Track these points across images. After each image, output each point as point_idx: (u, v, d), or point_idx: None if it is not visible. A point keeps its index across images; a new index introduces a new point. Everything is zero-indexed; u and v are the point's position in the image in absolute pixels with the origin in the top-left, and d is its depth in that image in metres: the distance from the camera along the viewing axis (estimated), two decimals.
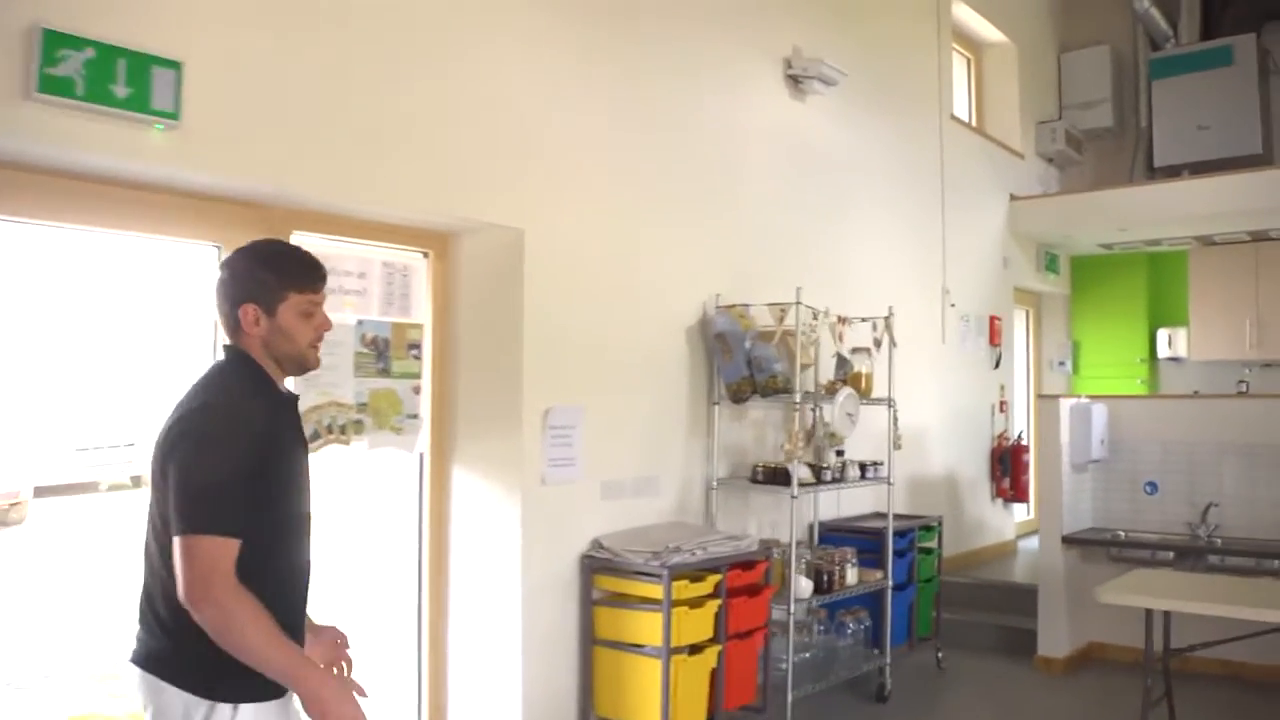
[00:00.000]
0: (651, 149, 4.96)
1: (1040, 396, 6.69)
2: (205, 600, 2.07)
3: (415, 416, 4.31)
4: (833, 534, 5.81)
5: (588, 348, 4.56)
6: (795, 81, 5.93)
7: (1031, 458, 7.98)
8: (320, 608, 2.63)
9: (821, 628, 5.36)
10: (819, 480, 5.16)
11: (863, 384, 5.51)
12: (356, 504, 4.44)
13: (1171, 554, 5.96)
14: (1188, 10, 9.24)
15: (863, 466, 5.44)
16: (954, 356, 7.66)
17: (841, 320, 5.40)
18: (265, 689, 2.20)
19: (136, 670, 2.23)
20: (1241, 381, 8.76)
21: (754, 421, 5.54)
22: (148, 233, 3.56)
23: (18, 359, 3.64)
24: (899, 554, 5.72)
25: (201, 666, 2.15)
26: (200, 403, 2.24)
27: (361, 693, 2.31)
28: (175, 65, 3.19)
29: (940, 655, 6.10)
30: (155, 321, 3.83)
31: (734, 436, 5.40)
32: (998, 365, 8.36)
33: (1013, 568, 7.76)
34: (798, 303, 4.98)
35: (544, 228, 4.38)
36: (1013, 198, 8.73)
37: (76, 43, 2.96)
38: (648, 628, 4.26)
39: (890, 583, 5.50)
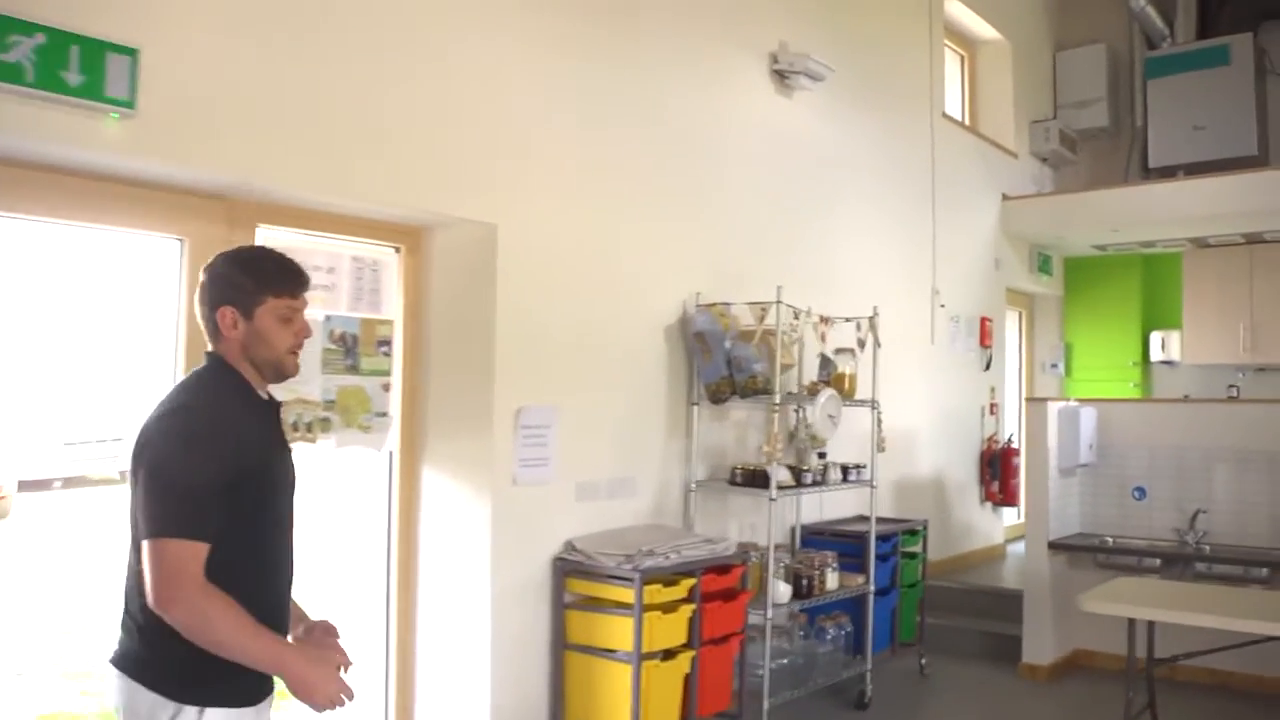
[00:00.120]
0: (631, 144, 4.86)
1: (1028, 399, 6.59)
2: (173, 602, 2.07)
3: (384, 415, 4.23)
4: (815, 537, 5.72)
5: (563, 346, 4.47)
6: (781, 77, 5.84)
7: (1021, 461, 7.89)
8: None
9: (802, 633, 5.28)
10: (799, 483, 5.07)
11: (846, 385, 5.42)
12: (323, 504, 4.36)
13: (1159, 561, 5.88)
14: (1184, 9, 9.14)
15: (845, 469, 5.35)
16: (943, 358, 7.58)
17: (824, 320, 5.31)
18: (235, 695, 2.20)
19: (112, 670, 2.23)
20: (1232, 386, 8.67)
21: (735, 423, 5.45)
22: (107, 225, 3.47)
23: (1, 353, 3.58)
24: (882, 558, 5.64)
25: (171, 668, 2.15)
26: (173, 407, 2.24)
27: (346, 666, 2.32)
28: (131, 52, 3.10)
29: (924, 661, 6.02)
30: (141, 316, 3.75)
31: (714, 438, 5.31)
32: (988, 367, 8.28)
33: (1001, 572, 7.67)
34: (779, 302, 4.89)
35: (518, 223, 4.29)
36: (1005, 197, 8.64)
37: (27, 28, 2.87)
38: (619, 632, 4.18)
39: (872, 588, 5.42)
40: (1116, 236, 8.89)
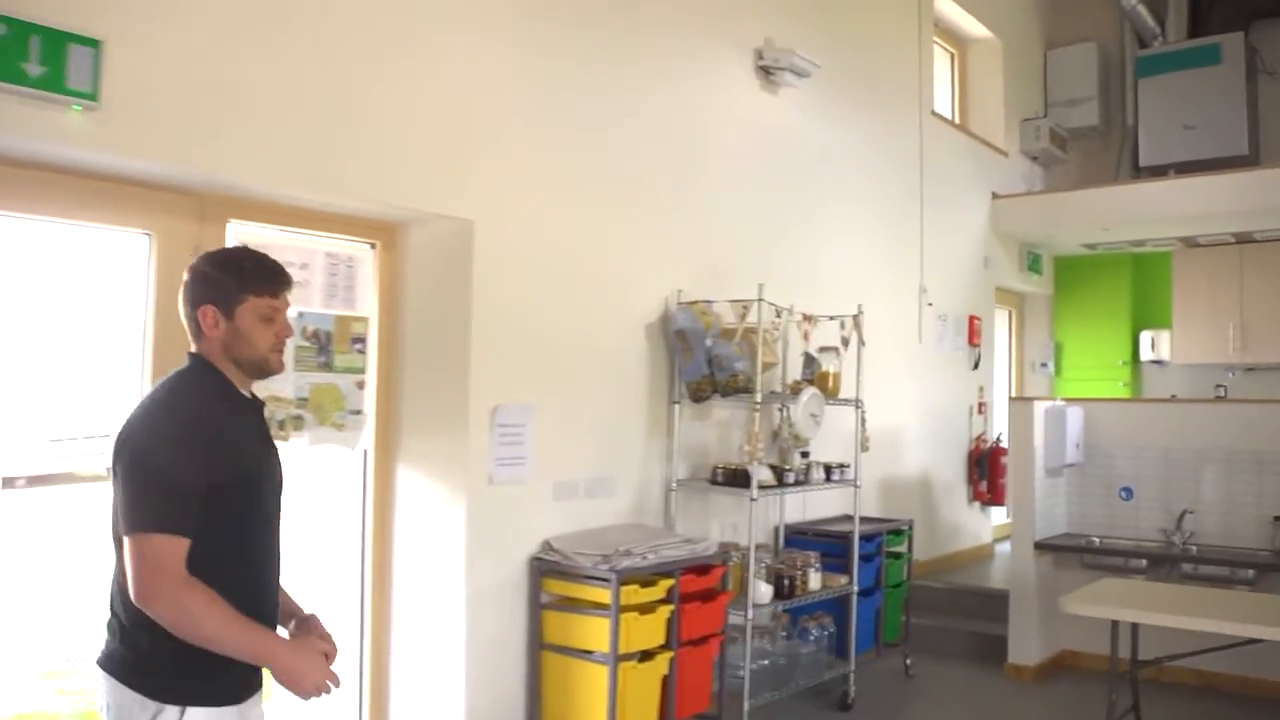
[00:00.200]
0: (612, 140, 4.81)
1: (1013, 399, 6.55)
2: (155, 598, 2.08)
3: (359, 412, 4.18)
4: (799, 537, 5.68)
5: (541, 343, 4.42)
6: (766, 73, 5.79)
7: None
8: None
9: (784, 634, 5.23)
10: (781, 482, 5.02)
11: (830, 384, 5.38)
12: (297, 503, 4.30)
13: (1145, 562, 5.84)
14: (1175, 8, 9.11)
15: (828, 469, 5.30)
16: (931, 356, 7.53)
17: (807, 318, 5.26)
18: (217, 694, 2.19)
19: (98, 671, 2.23)
20: (1219, 386, 8.64)
21: (718, 421, 5.40)
22: (72, 219, 3.42)
23: None
24: (866, 558, 5.59)
25: (152, 667, 2.16)
26: (154, 404, 2.25)
27: (331, 655, 2.32)
28: (94, 44, 3.05)
29: (909, 662, 5.97)
30: (111, 312, 3.70)
31: (696, 437, 5.26)
32: (977, 366, 8.23)
33: (988, 572, 7.63)
34: (760, 299, 4.84)
35: (496, 219, 4.24)
36: (995, 196, 8.60)
37: None
38: (596, 633, 4.13)
39: (855, 588, 5.37)
40: (1107, 235, 8.86)
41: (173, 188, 3.56)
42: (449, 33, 4.08)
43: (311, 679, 2.21)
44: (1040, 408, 6.08)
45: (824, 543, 5.53)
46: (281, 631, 2.42)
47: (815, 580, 5.14)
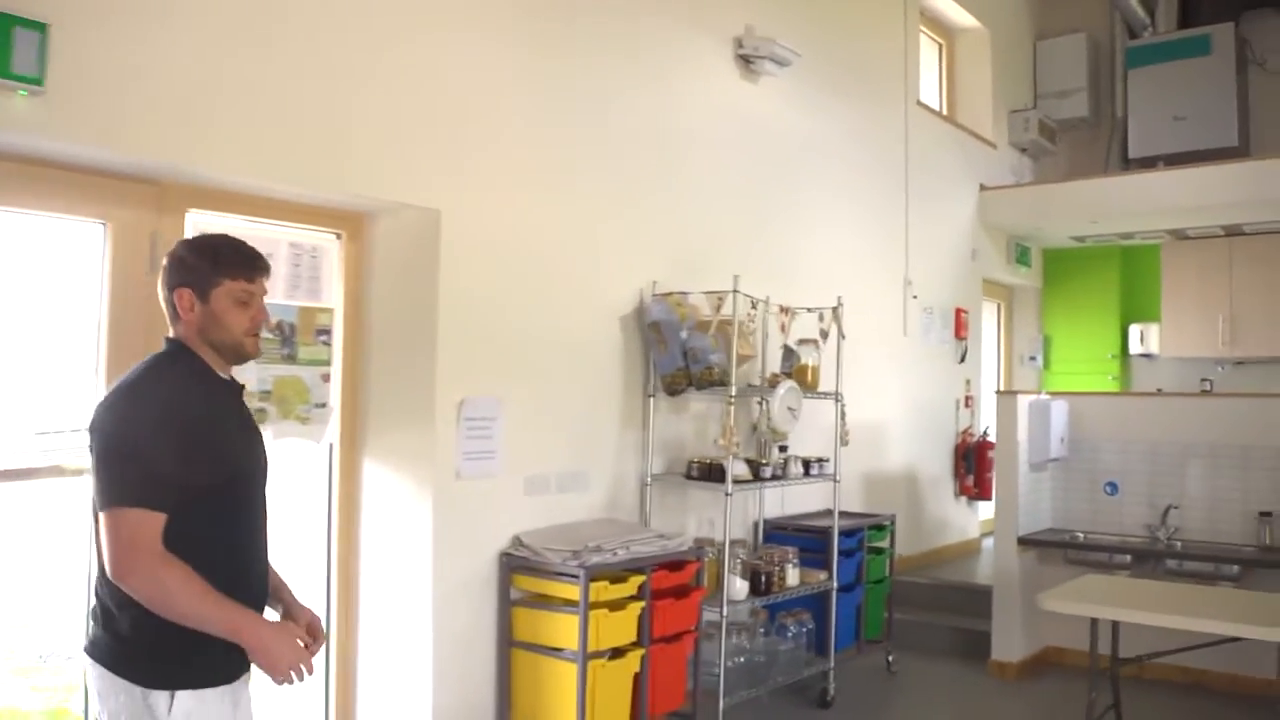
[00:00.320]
0: (586, 128, 4.73)
1: (998, 393, 6.47)
2: (131, 572, 2.09)
3: (324, 405, 4.10)
4: (778, 533, 5.61)
5: (511, 335, 4.34)
6: (746, 62, 5.71)
7: None
8: None
9: (762, 630, 5.16)
10: (757, 477, 4.95)
11: (809, 377, 5.30)
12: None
13: (1129, 557, 5.78)
14: None
15: (807, 463, 5.23)
16: (916, 349, 7.46)
17: (784, 310, 5.19)
18: (204, 676, 2.21)
19: (86, 658, 2.24)
20: (1205, 380, 8.58)
21: (695, 415, 5.33)
22: (21, 207, 3.33)
23: None
24: (846, 554, 5.52)
25: (134, 653, 2.17)
26: (128, 385, 2.27)
27: (304, 640, 2.34)
28: (40, 27, 2.95)
29: (891, 658, 5.90)
30: (67, 302, 3.61)
31: (672, 430, 5.19)
32: (963, 359, 8.16)
33: (973, 568, 7.56)
34: (735, 290, 4.76)
35: (464, 209, 4.16)
36: (983, 188, 8.52)
37: None
38: (565, 630, 4.05)
39: (835, 584, 5.30)
40: (1095, 228, 8.80)
41: (128, 175, 3.47)
42: (416, 20, 3.99)
43: (287, 659, 2.20)
44: (1024, 401, 6.01)
45: (804, 538, 5.46)
46: (272, 615, 2.43)
47: (793, 576, 5.07)
